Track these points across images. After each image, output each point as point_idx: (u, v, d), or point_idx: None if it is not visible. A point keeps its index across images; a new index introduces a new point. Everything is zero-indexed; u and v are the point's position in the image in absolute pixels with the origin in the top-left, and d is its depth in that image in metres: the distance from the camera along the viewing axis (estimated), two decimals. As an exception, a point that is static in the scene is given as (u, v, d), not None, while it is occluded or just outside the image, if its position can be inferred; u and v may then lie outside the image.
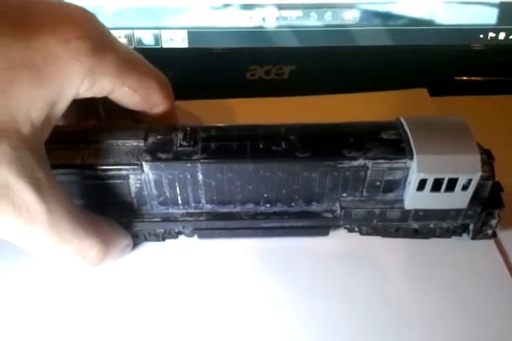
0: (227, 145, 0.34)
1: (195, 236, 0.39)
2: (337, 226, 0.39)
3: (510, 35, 0.51)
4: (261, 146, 0.34)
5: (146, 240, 0.39)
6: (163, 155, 0.34)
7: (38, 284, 0.37)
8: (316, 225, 0.38)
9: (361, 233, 0.39)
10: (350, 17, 0.50)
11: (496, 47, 0.52)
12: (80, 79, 0.30)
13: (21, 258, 0.37)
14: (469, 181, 0.34)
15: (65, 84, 0.30)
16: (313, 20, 0.50)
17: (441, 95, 0.53)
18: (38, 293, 0.37)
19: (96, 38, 0.31)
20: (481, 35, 0.51)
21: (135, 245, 0.39)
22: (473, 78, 0.54)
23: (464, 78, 0.54)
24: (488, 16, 0.50)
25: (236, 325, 0.35)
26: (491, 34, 0.51)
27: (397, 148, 0.34)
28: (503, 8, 0.50)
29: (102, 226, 0.34)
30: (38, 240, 0.30)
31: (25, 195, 0.28)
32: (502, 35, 0.51)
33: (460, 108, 0.51)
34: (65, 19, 0.30)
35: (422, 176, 0.33)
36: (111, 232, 0.34)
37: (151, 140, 0.35)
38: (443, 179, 0.34)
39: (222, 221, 0.37)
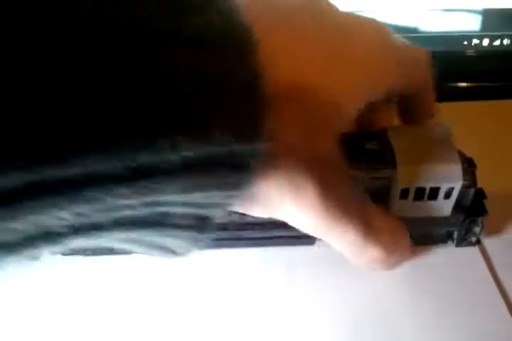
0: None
1: (182, 246, 0.39)
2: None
3: (493, 41, 0.52)
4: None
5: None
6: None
7: (51, 289, 0.37)
8: (301, 235, 0.38)
9: (347, 241, 0.39)
10: (336, 25, 0.50)
11: (480, 54, 0.53)
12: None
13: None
14: (451, 190, 0.34)
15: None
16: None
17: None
18: (51, 298, 0.37)
19: None
20: (465, 42, 0.52)
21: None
22: (460, 84, 0.55)
23: (449, 84, 0.55)
24: (472, 23, 0.51)
25: (228, 330, 0.35)
26: (475, 41, 0.52)
27: (380, 158, 0.34)
28: (486, 15, 0.51)
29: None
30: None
31: None
32: (486, 42, 0.52)
33: (447, 113, 0.51)
34: None
35: (404, 185, 0.34)
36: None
37: None
38: (425, 188, 0.34)
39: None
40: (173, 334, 0.35)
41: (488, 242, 0.41)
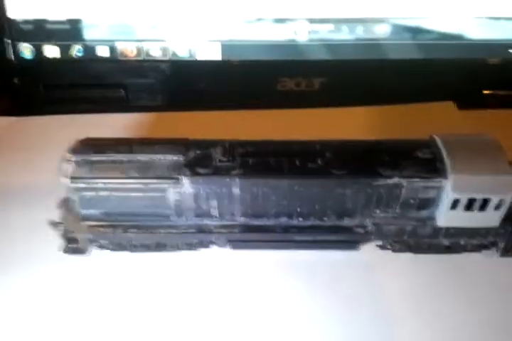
0: (264, 161, 0.35)
1: (227, 247, 0.40)
2: (368, 242, 0.40)
3: (539, 50, 0.52)
4: (297, 163, 0.35)
5: (178, 249, 0.40)
6: (202, 170, 0.35)
7: (52, 289, 0.38)
8: (347, 239, 0.38)
9: (393, 250, 0.40)
10: (381, 31, 0.50)
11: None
12: None
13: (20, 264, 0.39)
14: (501, 201, 0.34)
15: None
16: (344, 34, 0.50)
17: (469, 108, 0.53)
18: (66, 304, 0.37)
19: None
20: (510, 50, 0.52)
21: (169, 253, 0.40)
22: (501, 92, 0.55)
23: (492, 92, 0.55)
24: (518, 31, 0.51)
25: (262, 333, 0.36)
26: (520, 49, 0.52)
27: (432, 167, 0.35)
28: (533, 23, 0.50)
29: None
30: None
31: None
32: (531, 50, 0.52)
33: (487, 121, 0.51)
34: None
35: (456, 196, 0.34)
36: None
37: (190, 155, 0.36)
38: (475, 199, 0.34)
39: (255, 233, 0.38)
40: (205, 334, 0.36)
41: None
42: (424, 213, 0.36)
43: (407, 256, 0.40)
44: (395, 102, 0.53)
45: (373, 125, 0.52)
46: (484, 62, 0.53)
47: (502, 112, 0.54)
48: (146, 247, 0.40)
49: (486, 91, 0.54)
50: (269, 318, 0.36)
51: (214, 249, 0.41)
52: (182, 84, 0.53)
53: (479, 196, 0.34)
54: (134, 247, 0.40)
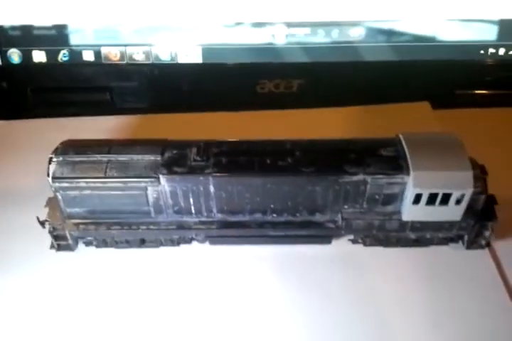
0: (236, 160, 0.37)
1: (207, 243, 0.42)
2: (340, 237, 0.42)
3: (510, 50, 0.53)
4: (268, 161, 0.37)
5: (161, 245, 0.42)
6: (178, 169, 0.37)
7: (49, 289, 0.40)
8: (319, 234, 0.40)
9: (364, 244, 0.42)
10: (356, 34, 0.52)
11: (496, 62, 0.54)
12: None
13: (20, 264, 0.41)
14: (462, 196, 0.36)
15: None
16: (320, 37, 0.52)
17: (443, 108, 0.55)
18: (53, 300, 0.39)
19: None
20: (482, 51, 0.54)
21: (152, 249, 0.42)
22: (474, 91, 0.57)
23: (465, 91, 0.56)
24: (489, 33, 0.53)
25: (239, 323, 0.37)
26: (491, 50, 0.53)
27: (395, 164, 0.36)
28: (502, 25, 0.52)
29: None
30: None
31: None
32: (502, 51, 0.53)
33: (462, 120, 0.53)
34: None
35: (418, 191, 0.36)
36: None
37: (167, 155, 0.38)
38: (437, 194, 0.36)
39: (232, 229, 0.40)
40: (186, 328, 0.38)
41: (498, 245, 0.42)
42: (389, 208, 0.38)
43: (378, 249, 0.42)
44: (372, 103, 0.55)
45: (350, 125, 0.53)
46: (457, 63, 0.54)
47: (474, 111, 0.55)
48: (130, 243, 0.42)
49: (458, 91, 0.56)
50: (246, 309, 0.38)
51: (194, 244, 0.43)
52: (165, 87, 0.55)
53: (440, 191, 0.36)
54: (117, 243, 0.42)
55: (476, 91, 0.57)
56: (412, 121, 0.53)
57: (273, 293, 0.39)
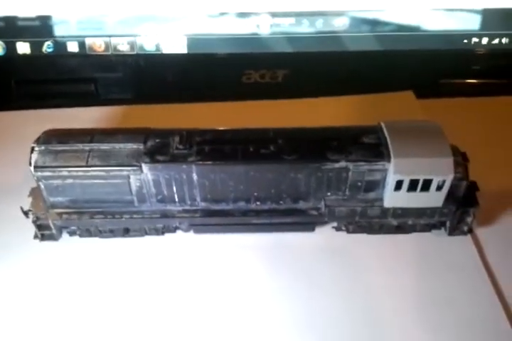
0: (219, 148, 0.37)
1: (192, 231, 0.42)
2: (324, 224, 0.42)
3: (493, 40, 0.54)
4: (251, 149, 0.37)
5: (146, 234, 0.42)
6: (161, 158, 0.37)
7: (37, 281, 0.40)
8: (302, 221, 0.41)
9: (348, 231, 0.42)
10: (340, 24, 0.52)
11: (479, 52, 0.55)
12: None
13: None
14: (443, 182, 0.37)
15: None
16: (305, 27, 0.52)
17: (427, 97, 0.55)
18: (37, 290, 0.39)
19: None
20: (465, 40, 0.54)
21: (136, 238, 0.42)
22: (458, 81, 0.57)
23: (449, 81, 0.57)
24: (472, 22, 0.53)
25: (224, 311, 0.38)
26: (475, 39, 0.54)
27: (376, 151, 0.37)
28: (485, 14, 0.52)
29: None
30: None
31: None
32: (485, 40, 0.54)
33: (445, 109, 0.54)
34: None
35: (399, 177, 0.36)
36: None
37: (149, 143, 0.38)
38: (418, 180, 0.36)
39: (215, 217, 0.40)
40: (174, 316, 0.38)
41: (481, 232, 0.43)
42: (371, 195, 0.39)
43: (361, 236, 0.42)
44: (356, 93, 0.56)
45: (335, 115, 0.54)
46: (441, 53, 0.55)
47: (458, 100, 0.56)
48: (114, 233, 0.42)
49: (442, 81, 0.57)
50: (232, 298, 0.39)
51: (179, 233, 0.43)
52: (150, 78, 0.55)
53: (421, 177, 0.36)
54: (101, 233, 0.42)
55: (460, 81, 0.57)
56: (397, 111, 0.53)
57: (258, 280, 0.40)
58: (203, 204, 0.40)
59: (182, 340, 0.36)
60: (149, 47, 0.53)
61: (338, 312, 0.37)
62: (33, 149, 0.38)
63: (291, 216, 0.40)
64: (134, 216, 0.40)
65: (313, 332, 0.36)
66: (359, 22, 0.52)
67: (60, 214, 0.40)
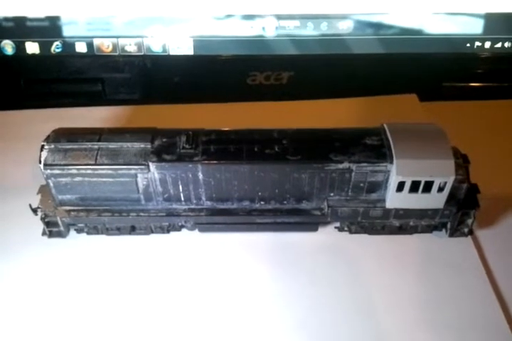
0: (225, 148, 0.38)
1: (197, 230, 0.43)
2: (327, 224, 0.43)
3: (495, 44, 0.54)
4: (256, 149, 0.38)
5: (152, 232, 0.43)
6: (167, 157, 0.38)
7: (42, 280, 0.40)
8: (305, 221, 0.41)
9: (350, 231, 0.43)
10: (345, 27, 0.53)
11: (482, 56, 0.55)
12: None
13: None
14: (444, 183, 0.37)
15: None
16: (309, 30, 0.53)
17: (430, 100, 0.56)
18: (45, 285, 0.40)
19: None
20: (468, 44, 0.55)
21: (142, 236, 0.43)
22: (461, 84, 0.58)
23: (452, 84, 0.57)
24: (475, 26, 0.54)
25: (227, 308, 0.38)
26: (477, 43, 0.54)
27: (379, 152, 0.37)
28: (488, 19, 0.53)
29: None
30: None
31: None
32: (488, 44, 0.54)
33: (448, 112, 0.54)
34: None
35: (401, 178, 0.37)
36: None
37: (157, 142, 0.39)
38: (420, 181, 0.37)
39: (220, 216, 0.41)
40: (177, 313, 0.39)
41: (481, 233, 0.43)
42: (374, 196, 0.39)
43: (363, 237, 0.43)
44: (360, 95, 0.56)
45: (338, 117, 0.54)
46: (444, 56, 0.55)
47: (461, 103, 0.56)
48: (120, 230, 0.42)
49: (445, 84, 0.57)
50: (235, 296, 0.39)
51: (184, 232, 0.43)
52: (156, 78, 0.56)
53: (422, 178, 0.37)
54: (108, 230, 0.42)
55: (463, 84, 0.58)
56: (400, 113, 0.54)
57: (261, 279, 0.40)
58: (208, 203, 0.41)
59: (187, 335, 0.37)
60: (156, 48, 0.54)
61: (339, 311, 0.38)
62: (42, 147, 0.39)
63: (294, 216, 0.41)
64: (141, 214, 0.41)
65: (314, 331, 0.37)
66: (363, 25, 0.53)
67: (68, 212, 0.41)
